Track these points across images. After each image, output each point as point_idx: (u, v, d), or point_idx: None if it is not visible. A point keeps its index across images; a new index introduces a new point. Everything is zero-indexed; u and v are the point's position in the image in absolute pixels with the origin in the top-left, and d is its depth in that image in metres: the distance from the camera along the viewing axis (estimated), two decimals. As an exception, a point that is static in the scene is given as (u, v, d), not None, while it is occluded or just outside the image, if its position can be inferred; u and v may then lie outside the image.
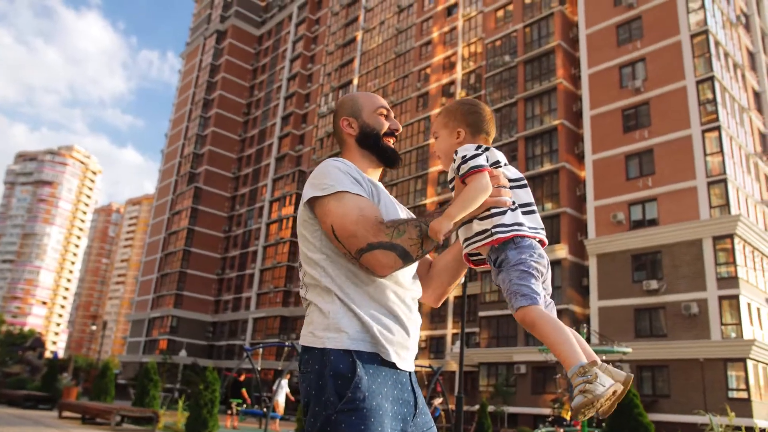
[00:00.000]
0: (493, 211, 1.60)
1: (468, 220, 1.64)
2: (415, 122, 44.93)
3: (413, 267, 1.73)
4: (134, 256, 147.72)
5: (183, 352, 59.13)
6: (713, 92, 28.45)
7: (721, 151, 27.55)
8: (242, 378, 19.65)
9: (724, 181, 27.13)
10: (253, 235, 62.74)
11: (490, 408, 29.04)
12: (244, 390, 18.93)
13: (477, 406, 19.59)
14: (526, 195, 1.68)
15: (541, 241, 1.62)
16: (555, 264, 31.45)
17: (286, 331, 53.68)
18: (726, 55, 30.95)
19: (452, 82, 43.12)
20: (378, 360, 1.59)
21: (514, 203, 1.63)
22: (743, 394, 24.65)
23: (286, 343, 19.27)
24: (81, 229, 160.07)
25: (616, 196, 30.39)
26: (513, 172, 1.70)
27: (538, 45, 36.29)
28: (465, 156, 1.63)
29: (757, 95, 34.98)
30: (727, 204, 26.82)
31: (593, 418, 20.26)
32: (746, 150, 30.56)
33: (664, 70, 30.41)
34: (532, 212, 1.66)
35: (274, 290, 56.08)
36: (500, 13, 40.08)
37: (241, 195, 67.48)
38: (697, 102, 28.76)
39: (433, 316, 39.02)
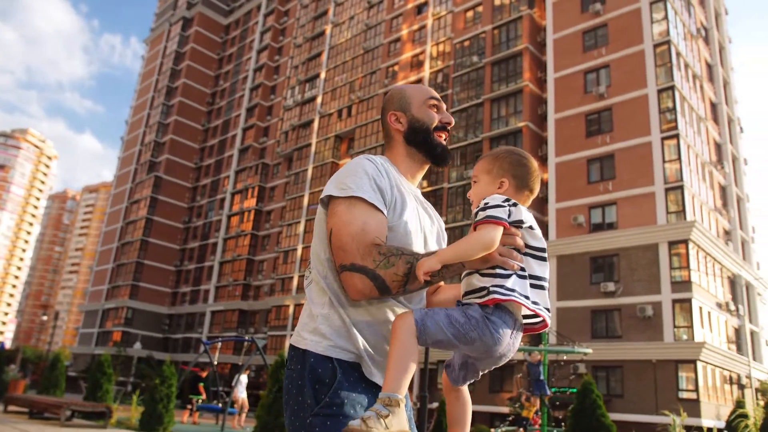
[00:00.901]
0: (498, 270, 1.43)
1: (470, 273, 1.49)
2: (382, 119, 44.89)
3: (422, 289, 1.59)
4: (89, 245, 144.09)
5: (138, 345, 57.69)
6: (673, 101, 29.21)
7: (679, 159, 28.32)
8: (204, 373, 19.26)
9: (681, 188, 27.89)
10: (213, 226, 61.83)
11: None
12: (201, 385, 18.60)
13: (436, 404, 19.72)
14: (540, 269, 1.49)
15: (543, 322, 1.48)
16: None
17: (245, 325, 53.10)
18: (686, 65, 31.81)
19: (420, 80, 43.22)
20: (358, 372, 1.54)
21: (523, 269, 1.46)
22: (692, 395, 25.42)
23: (246, 338, 19.03)
24: (34, 216, 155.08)
25: (577, 199, 30.95)
26: (537, 239, 1.51)
27: (506, 47, 36.66)
28: (487, 204, 1.49)
29: (713, 106, 36.06)
30: (683, 210, 27.59)
31: (555, 419, 20.63)
32: (702, 159, 31.47)
33: (627, 77, 31.07)
34: (541, 288, 1.48)
35: (233, 283, 55.39)
36: (470, 14, 40.36)
37: (203, 186, 66.39)
38: (657, 110, 29.49)
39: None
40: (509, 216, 1.48)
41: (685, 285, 26.70)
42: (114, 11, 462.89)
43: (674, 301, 26.75)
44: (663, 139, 28.98)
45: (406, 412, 1.45)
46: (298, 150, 52.62)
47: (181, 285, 63.68)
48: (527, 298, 1.43)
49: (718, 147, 35.40)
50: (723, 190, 34.61)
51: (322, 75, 52.99)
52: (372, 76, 47.71)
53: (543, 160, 34.34)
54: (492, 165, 1.63)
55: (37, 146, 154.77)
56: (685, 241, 27.15)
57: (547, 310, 1.47)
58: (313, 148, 50.84)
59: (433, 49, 43.18)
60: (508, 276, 1.43)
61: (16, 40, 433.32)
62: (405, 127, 1.78)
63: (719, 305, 29.58)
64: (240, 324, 53.22)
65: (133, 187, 68.83)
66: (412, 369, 1.41)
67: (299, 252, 48.34)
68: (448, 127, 1.82)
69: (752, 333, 33.11)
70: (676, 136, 28.62)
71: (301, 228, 48.90)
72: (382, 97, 45.85)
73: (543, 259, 1.51)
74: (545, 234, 32.64)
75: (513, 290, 1.41)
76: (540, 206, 33.45)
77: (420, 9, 46.17)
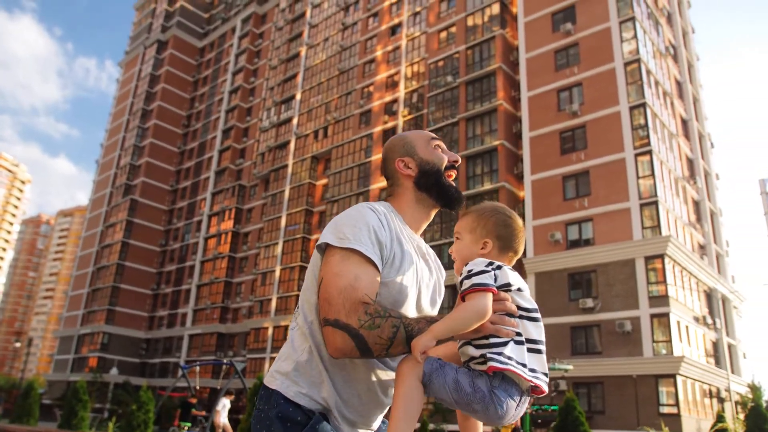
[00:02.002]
0: (492, 340, 1.37)
1: (465, 343, 1.42)
2: (357, 139, 44.94)
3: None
4: (64, 270, 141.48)
5: (114, 370, 56.77)
6: (645, 118, 29.66)
7: (653, 175, 28.68)
8: (194, 399, 18.76)
9: (655, 203, 28.21)
10: (190, 249, 61.10)
11: (431, 426, 29.02)
12: (194, 410, 18.09)
13: (418, 425, 19.50)
14: (536, 330, 1.43)
15: (537, 388, 1.39)
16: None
17: (223, 348, 52.32)
18: (656, 83, 32.37)
19: (395, 101, 43.42)
20: (326, 420, 1.50)
21: (519, 335, 1.40)
22: (673, 410, 25.48)
23: (224, 361, 18.68)
24: (7, 241, 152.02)
25: (553, 216, 31.14)
26: (527, 300, 1.45)
27: (480, 67, 37.02)
28: (471, 270, 1.42)
29: (684, 122, 36.70)
30: (658, 225, 27.88)
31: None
32: (675, 174, 31.93)
33: (599, 95, 31.52)
34: (538, 351, 1.41)
35: (211, 306, 54.66)
36: (443, 34, 40.75)
37: (179, 208, 65.70)
38: (630, 127, 29.90)
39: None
40: (495, 280, 1.42)
41: (662, 299, 26.89)
42: (88, 35, 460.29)
43: (652, 316, 26.91)
44: (636, 155, 29.36)
45: None
46: (275, 171, 52.40)
47: (158, 309, 62.68)
48: (524, 366, 1.37)
49: (691, 162, 35.97)
50: (696, 204, 35.11)
51: (298, 96, 53.01)
52: (347, 96, 47.83)
53: (518, 178, 34.58)
54: (476, 224, 1.58)
55: (10, 170, 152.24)
56: (661, 256, 27.40)
57: (545, 375, 1.41)
58: (289, 169, 50.67)
59: (407, 69, 43.46)
60: (505, 344, 1.38)
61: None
62: (415, 172, 1.72)
63: (696, 319, 29.83)
64: (218, 347, 52.44)
65: (109, 211, 67.88)
66: (416, 417, 1.40)
67: (277, 273, 47.91)
68: (457, 165, 1.78)
69: (730, 346, 33.43)
70: (649, 152, 29.02)
71: (278, 249, 48.53)
72: (358, 117, 45.92)
73: (536, 320, 1.45)
74: (523, 252, 32.72)
75: (510, 358, 1.36)
76: (517, 224, 33.57)
77: (394, 30, 46.53)
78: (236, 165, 59.80)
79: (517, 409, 1.40)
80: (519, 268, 32.42)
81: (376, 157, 42.76)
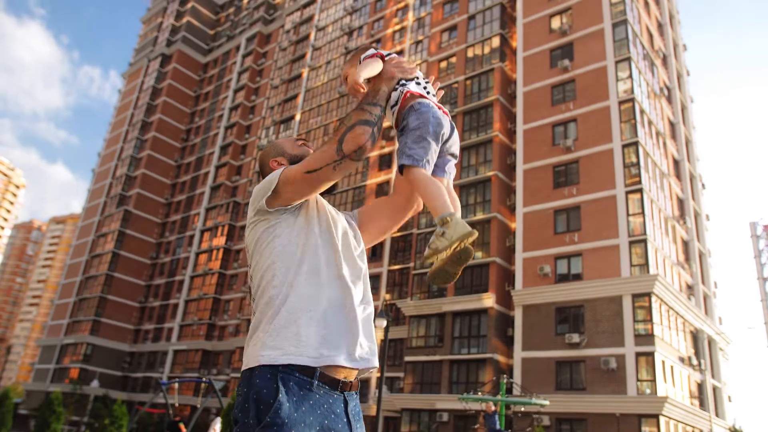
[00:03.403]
0: (402, 81, 1.99)
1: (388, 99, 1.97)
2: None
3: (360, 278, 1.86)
4: (52, 278, 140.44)
5: (95, 383, 56.01)
6: (637, 156, 29.99)
7: (643, 213, 28.91)
8: (178, 418, 18.55)
9: (644, 241, 28.38)
10: (180, 264, 60.85)
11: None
12: (182, 424, 17.87)
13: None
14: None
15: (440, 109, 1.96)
16: (482, 312, 31.87)
17: (208, 365, 51.86)
18: (650, 123, 32.81)
19: (392, 127, 43.70)
20: (310, 386, 1.61)
21: (417, 77, 2.04)
22: (654, 450, 25.34)
23: (204, 379, 18.54)
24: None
25: (543, 249, 31.26)
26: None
27: (478, 98, 37.47)
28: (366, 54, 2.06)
29: (676, 163, 37.10)
30: (647, 263, 28.01)
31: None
32: (665, 213, 32.18)
33: (593, 131, 31.89)
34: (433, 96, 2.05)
35: (198, 322, 54.29)
36: (443, 64, 41.27)
37: (172, 222, 65.57)
38: (622, 164, 30.21)
39: (360, 358, 38.63)
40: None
41: (648, 338, 26.90)
42: (95, 44, 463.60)
43: (637, 354, 26.89)
44: (627, 192, 29.62)
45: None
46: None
47: (144, 322, 62.17)
48: (426, 90, 2.04)
49: (681, 202, 36.27)
50: (685, 244, 35.32)
51: (297, 117, 53.39)
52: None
53: (511, 210, 34.77)
54: (353, 60, 2.12)
55: (5, 174, 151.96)
56: (649, 294, 27.48)
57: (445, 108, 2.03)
58: (285, 189, 50.72)
59: (407, 96, 43.82)
60: (412, 80, 2.01)
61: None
62: (287, 166, 1.94)
63: (682, 359, 29.82)
64: (203, 364, 51.97)
65: (102, 220, 67.68)
66: (441, 190, 1.83)
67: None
68: None
69: (714, 388, 33.36)
70: (640, 191, 29.29)
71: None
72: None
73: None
74: (512, 282, 32.79)
75: (417, 92, 2.00)
76: (507, 255, 33.70)
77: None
78: (232, 182, 59.91)
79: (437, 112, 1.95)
80: (507, 299, 32.47)
81: (372, 180, 42.98)
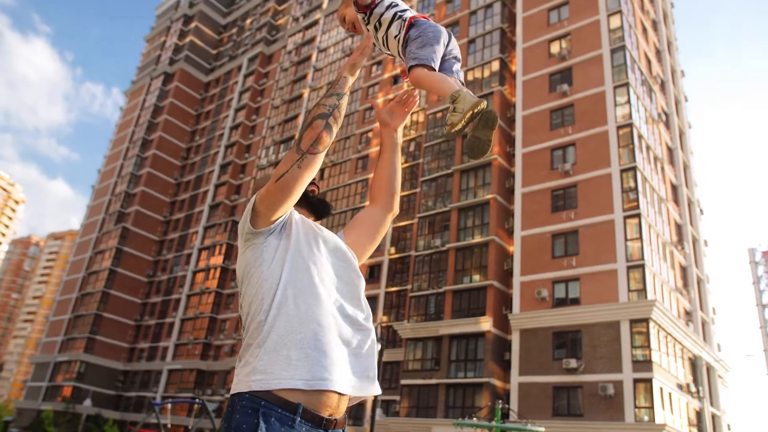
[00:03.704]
0: (400, 13, 2.29)
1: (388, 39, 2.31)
2: (353, 183, 45.29)
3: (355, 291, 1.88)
4: (48, 294, 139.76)
5: (88, 401, 55.47)
6: (635, 181, 30.05)
7: (641, 238, 28.87)
8: None
9: (642, 267, 28.31)
10: (177, 282, 60.61)
11: None
12: None
13: None
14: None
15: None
16: (479, 336, 31.68)
17: (202, 386, 51.38)
18: (648, 148, 32.94)
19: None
20: (290, 421, 1.58)
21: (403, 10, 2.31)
22: (651, 479, 25.00)
23: (197, 400, 18.33)
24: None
25: (541, 273, 31.17)
26: None
27: (477, 121, 37.58)
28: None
29: (674, 188, 37.18)
30: (644, 289, 27.90)
31: None
32: (663, 238, 32.16)
33: (591, 156, 32.00)
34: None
35: (193, 342, 53.90)
36: (444, 86, 41.49)
37: (170, 240, 65.47)
38: (620, 189, 30.26)
39: (355, 380, 38.30)
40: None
41: (646, 364, 26.70)
42: (98, 61, 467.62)
43: (635, 381, 26.66)
44: (625, 217, 29.62)
45: None
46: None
47: (139, 340, 61.74)
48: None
49: (679, 228, 36.28)
50: (683, 270, 35.24)
51: (297, 137, 53.52)
52: (346, 141, 48.40)
53: (509, 233, 34.74)
54: None
55: (5, 189, 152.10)
56: (646, 320, 27.33)
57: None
58: (283, 208, 50.76)
59: (407, 118, 44.05)
60: (406, 10, 2.31)
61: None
62: None
63: (680, 386, 29.56)
64: (197, 384, 51.49)
65: (100, 237, 67.56)
66: (447, 79, 2.08)
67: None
68: (315, 182, 2.11)
69: (713, 416, 33.03)
70: (638, 216, 29.29)
71: (266, 288, 48.18)
72: (355, 161, 46.37)
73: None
74: (509, 306, 32.64)
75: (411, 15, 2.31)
76: (505, 278, 33.60)
77: (396, 79, 47.45)
78: (231, 201, 59.94)
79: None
80: (505, 323, 32.29)
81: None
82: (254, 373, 1.63)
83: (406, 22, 2.25)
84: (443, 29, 2.24)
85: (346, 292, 1.84)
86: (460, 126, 1.91)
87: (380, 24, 2.33)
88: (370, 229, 2.15)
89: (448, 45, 2.23)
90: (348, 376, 1.71)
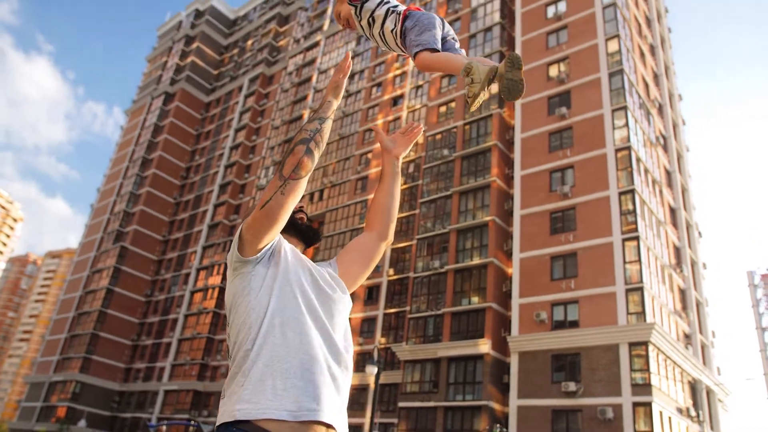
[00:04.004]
0: (392, 8, 2.41)
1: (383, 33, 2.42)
2: (353, 204, 45.39)
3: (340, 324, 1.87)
4: (45, 313, 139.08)
5: (82, 422, 54.89)
6: (633, 204, 30.16)
7: (639, 261, 28.89)
8: None
9: (641, 289, 28.29)
10: (175, 302, 60.36)
11: None
12: None
13: None
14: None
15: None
16: (477, 358, 31.53)
17: (198, 407, 50.92)
18: (646, 171, 33.11)
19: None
20: None
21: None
22: (652, 505, 24.73)
23: (192, 422, 18.14)
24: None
25: (540, 295, 31.13)
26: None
27: (476, 143, 37.87)
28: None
29: (672, 211, 37.29)
30: (643, 312, 27.86)
31: None
32: (662, 261, 32.18)
33: (590, 178, 32.14)
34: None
35: (190, 362, 53.53)
36: (443, 108, 41.86)
37: (168, 259, 65.32)
38: (618, 212, 30.35)
39: (353, 403, 38.04)
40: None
41: (645, 388, 26.55)
42: (100, 81, 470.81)
43: (635, 404, 26.48)
44: (624, 240, 29.66)
45: None
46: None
47: (136, 361, 61.27)
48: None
49: (678, 251, 36.32)
50: (682, 293, 35.21)
51: (297, 157, 53.74)
52: (346, 162, 48.61)
53: (507, 255, 34.75)
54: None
55: (3, 207, 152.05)
56: (646, 343, 27.24)
57: None
58: (282, 229, 50.76)
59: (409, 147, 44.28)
60: (397, 5, 2.43)
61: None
62: None
63: (680, 410, 29.37)
64: (193, 405, 51.03)
65: (98, 256, 67.41)
66: (454, 56, 2.16)
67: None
68: (302, 209, 2.11)
69: (713, 440, 32.77)
70: (637, 238, 29.34)
71: (264, 308, 47.99)
72: (354, 182, 46.52)
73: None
74: (508, 328, 32.54)
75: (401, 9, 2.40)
76: (504, 300, 33.53)
77: (396, 101, 47.80)
78: (230, 221, 59.97)
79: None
80: (503, 345, 32.14)
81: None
82: (239, 402, 1.61)
83: (401, 16, 2.35)
84: (436, 15, 2.33)
85: (333, 323, 1.83)
86: (481, 95, 1.99)
87: (374, 20, 2.42)
88: (363, 256, 2.14)
89: (443, 29, 2.32)
90: (334, 408, 1.68)
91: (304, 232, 2.08)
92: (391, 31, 2.37)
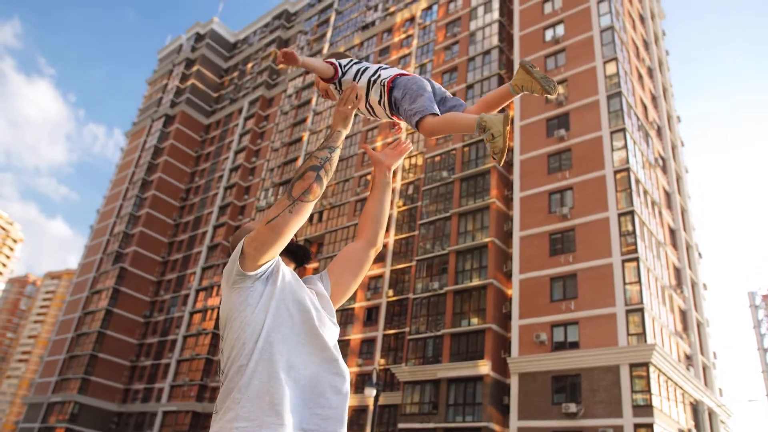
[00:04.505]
0: (377, 76, 2.37)
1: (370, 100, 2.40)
2: (352, 226, 45.47)
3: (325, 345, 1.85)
4: (44, 333, 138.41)
5: (80, 445, 54.43)
6: (633, 225, 30.26)
7: (639, 282, 28.91)
8: None
9: (641, 310, 28.27)
10: (174, 323, 60.16)
11: None
12: None
13: None
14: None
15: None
16: (477, 380, 31.41)
17: (197, 428, 50.52)
18: (645, 192, 33.26)
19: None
20: None
21: (379, 68, 2.39)
22: None
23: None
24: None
25: (540, 316, 31.09)
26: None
27: (475, 165, 38.09)
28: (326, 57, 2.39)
29: (672, 232, 37.38)
30: (644, 333, 27.81)
31: None
32: (662, 282, 32.19)
33: (589, 200, 32.28)
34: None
35: (189, 383, 53.21)
36: (442, 130, 42.07)
37: (168, 280, 65.24)
38: (618, 233, 30.44)
39: (352, 424, 37.78)
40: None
41: (646, 409, 26.41)
42: (101, 103, 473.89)
43: (636, 426, 26.32)
44: (624, 261, 29.71)
45: None
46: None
47: (134, 381, 60.90)
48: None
49: (678, 271, 36.33)
50: (683, 314, 35.15)
51: (297, 179, 53.94)
52: (345, 183, 48.81)
53: (507, 276, 34.76)
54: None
55: (3, 228, 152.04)
56: (647, 364, 27.15)
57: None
58: (282, 249, 50.76)
59: (405, 161, 44.62)
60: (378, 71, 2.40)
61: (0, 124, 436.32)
62: None
63: (681, 432, 29.20)
64: (192, 427, 50.62)
65: (97, 277, 67.33)
66: (460, 115, 2.14)
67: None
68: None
69: (716, 463, 32.51)
70: (636, 259, 29.39)
71: (264, 329, 47.83)
72: (353, 204, 46.66)
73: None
74: (508, 350, 32.44)
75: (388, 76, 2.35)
76: (503, 322, 33.48)
77: (395, 123, 48.03)
78: (229, 242, 59.89)
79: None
80: (503, 366, 32.02)
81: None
82: (237, 419, 1.60)
83: (386, 87, 2.30)
84: (421, 77, 2.29)
85: (330, 344, 1.84)
86: (504, 146, 1.97)
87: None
88: (353, 265, 2.18)
89: (433, 88, 2.29)
90: (330, 427, 1.69)
91: (295, 251, 2.12)
92: (379, 102, 2.33)
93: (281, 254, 2.02)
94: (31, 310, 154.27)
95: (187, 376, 53.86)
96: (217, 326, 54.83)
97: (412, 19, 52.87)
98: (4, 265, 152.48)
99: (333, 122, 2.07)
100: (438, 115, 2.14)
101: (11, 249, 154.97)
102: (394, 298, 39.10)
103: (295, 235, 2.09)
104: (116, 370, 61.00)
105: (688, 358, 33.81)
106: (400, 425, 33.11)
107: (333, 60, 2.39)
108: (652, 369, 27.16)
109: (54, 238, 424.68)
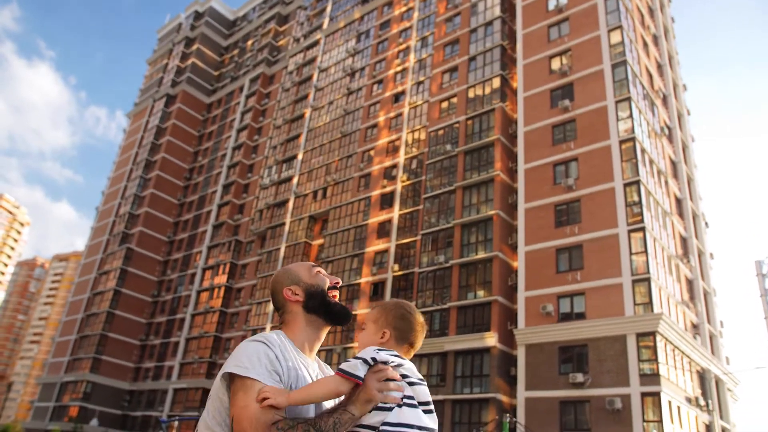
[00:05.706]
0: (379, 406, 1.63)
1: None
2: (356, 202, 45.40)
3: None
4: (54, 315, 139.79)
5: (94, 421, 55.33)
6: (639, 195, 30.07)
7: (645, 251, 28.82)
8: None
9: (648, 280, 28.23)
10: (182, 301, 60.61)
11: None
12: None
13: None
14: (430, 421, 1.68)
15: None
16: (484, 351, 31.57)
17: (208, 405, 51.09)
18: (651, 162, 32.99)
19: (395, 166, 44.09)
20: None
21: (411, 398, 1.66)
22: (662, 495, 24.73)
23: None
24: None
25: (546, 288, 31.11)
26: (420, 395, 1.71)
27: (479, 137, 37.81)
28: (357, 356, 1.67)
29: (678, 201, 37.17)
30: (650, 302, 27.81)
31: None
32: (668, 252, 32.09)
33: (594, 170, 32.05)
34: (429, 412, 1.69)
35: (198, 361, 53.78)
36: (445, 104, 41.80)
37: (174, 260, 65.58)
38: (624, 203, 30.27)
39: None
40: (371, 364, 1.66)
41: (653, 378, 26.53)
42: (102, 85, 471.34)
43: (643, 395, 26.47)
44: (630, 231, 29.59)
45: None
46: (272, 229, 52.64)
47: (145, 360, 61.63)
48: (420, 429, 1.61)
49: (684, 241, 36.20)
50: (690, 283, 35.11)
51: (300, 156, 53.85)
52: (348, 159, 48.61)
53: (513, 248, 34.73)
54: (378, 315, 1.86)
55: (10, 212, 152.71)
56: (653, 334, 27.20)
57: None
58: (286, 228, 50.91)
59: (408, 136, 44.35)
60: (390, 409, 1.62)
61: (2, 108, 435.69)
62: (303, 297, 1.91)
63: (689, 400, 29.34)
64: (203, 403, 51.24)
65: (104, 258, 67.77)
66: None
67: (267, 331, 47.34)
68: (338, 286, 1.97)
69: (723, 430, 32.72)
70: (642, 229, 29.27)
71: (270, 307, 48.17)
72: (357, 180, 46.51)
73: (430, 412, 1.69)
74: (514, 321, 32.54)
75: (396, 424, 1.60)
76: (510, 294, 33.53)
77: (397, 98, 47.74)
78: (234, 220, 60.10)
79: None
80: (510, 338, 32.15)
81: (374, 220, 43.08)
82: None
83: None
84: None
85: None
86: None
87: None
88: None
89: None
90: None
91: (337, 314, 1.94)
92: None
93: (318, 314, 1.91)
94: (41, 293, 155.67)
95: (196, 353, 54.40)
96: (224, 304, 55.21)
97: (412, -9, 52.09)
98: (12, 248, 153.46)
99: (352, 399, 1.65)
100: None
101: (19, 233, 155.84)
102: (400, 273, 39.16)
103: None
104: (126, 349, 61.71)
105: (694, 327, 33.86)
106: None
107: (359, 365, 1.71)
108: (658, 338, 27.22)
109: (60, 221, 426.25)
